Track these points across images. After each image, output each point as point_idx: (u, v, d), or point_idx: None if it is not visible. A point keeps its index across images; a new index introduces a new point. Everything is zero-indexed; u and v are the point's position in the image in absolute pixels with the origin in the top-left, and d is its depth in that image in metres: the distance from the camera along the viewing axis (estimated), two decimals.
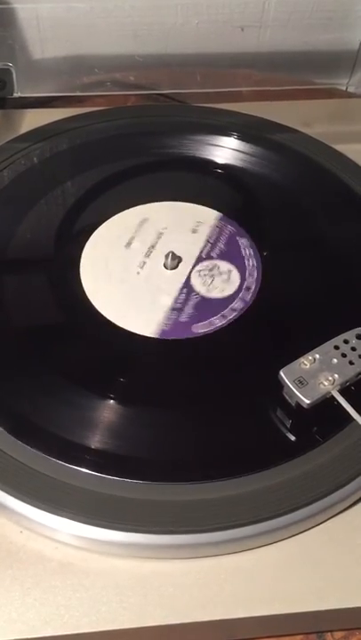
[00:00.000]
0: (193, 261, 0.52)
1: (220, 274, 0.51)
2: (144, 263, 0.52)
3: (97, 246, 0.53)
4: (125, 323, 0.48)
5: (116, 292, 0.50)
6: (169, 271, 0.51)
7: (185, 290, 0.50)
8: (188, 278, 0.51)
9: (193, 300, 0.49)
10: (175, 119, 0.65)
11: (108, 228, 0.54)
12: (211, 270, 0.51)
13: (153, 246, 0.53)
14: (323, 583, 0.38)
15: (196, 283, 0.50)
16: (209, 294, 0.49)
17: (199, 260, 0.52)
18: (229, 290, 0.50)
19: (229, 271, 0.51)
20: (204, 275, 0.50)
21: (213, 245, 0.53)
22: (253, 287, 0.50)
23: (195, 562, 0.38)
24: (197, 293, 0.49)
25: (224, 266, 0.51)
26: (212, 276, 0.50)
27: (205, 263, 0.52)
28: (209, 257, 0.52)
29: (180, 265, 0.52)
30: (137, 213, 0.56)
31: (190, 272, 0.51)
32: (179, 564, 0.38)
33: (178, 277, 0.51)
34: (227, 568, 0.38)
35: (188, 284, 0.50)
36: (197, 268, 0.51)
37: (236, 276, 0.51)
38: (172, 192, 0.57)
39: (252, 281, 0.50)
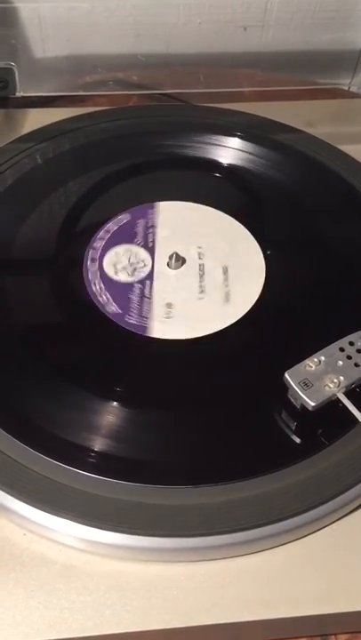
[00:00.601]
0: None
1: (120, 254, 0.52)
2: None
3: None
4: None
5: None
6: (173, 271, 0.51)
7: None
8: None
9: None
10: (178, 119, 0.65)
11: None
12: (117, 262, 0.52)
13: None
14: (328, 586, 0.37)
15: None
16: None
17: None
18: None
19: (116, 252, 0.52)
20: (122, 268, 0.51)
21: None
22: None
23: (199, 565, 0.38)
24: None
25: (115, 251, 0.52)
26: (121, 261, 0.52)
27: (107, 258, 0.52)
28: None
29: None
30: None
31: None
32: (183, 567, 0.38)
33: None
34: (231, 571, 0.38)
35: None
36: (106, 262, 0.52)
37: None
38: (175, 192, 0.57)
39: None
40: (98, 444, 0.41)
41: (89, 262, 0.52)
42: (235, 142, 0.61)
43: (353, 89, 0.71)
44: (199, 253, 0.53)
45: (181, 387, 0.45)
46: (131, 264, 0.51)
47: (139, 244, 0.53)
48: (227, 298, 0.49)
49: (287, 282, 0.51)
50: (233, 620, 0.36)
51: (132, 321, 0.48)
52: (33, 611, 0.36)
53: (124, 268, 0.51)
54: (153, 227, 0.54)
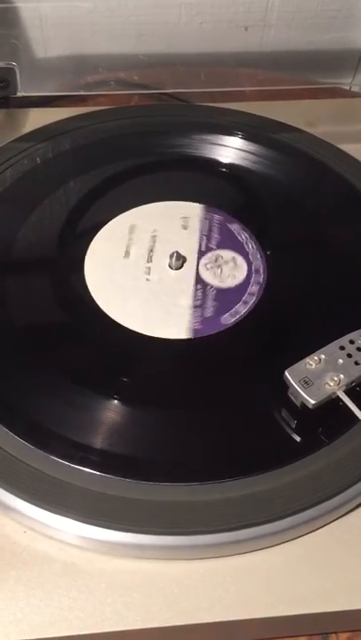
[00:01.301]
0: (196, 256, 0.52)
1: (226, 262, 0.51)
2: (149, 263, 0.52)
3: (102, 246, 0.53)
4: (145, 328, 0.47)
5: (124, 292, 0.50)
6: (174, 271, 0.51)
7: (199, 286, 0.50)
8: (198, 273, 0.51)
9: (210, 294, 0.50)
10: (179, 119, 0.65)
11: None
12: (216, 261, 0.51)
13: (152, 249, 0.53)
14: (328, 585, 0.37)
15: (207, 276, 0.51)
16: (223, 284, 0.50)
17: (201, 253, 0.52)
18: (240, 276, 0.51)
19: (233, 258, 0.52)
20: (211, 267, 0.51)
21: (209, 237, 0.53)
22: (261, 269, 0.51)
23: (199, 563, 0.38)
24: (212, 286, 0.50)
25: (227, 254, 0.52)
26: (220, 265, 0.51)
27: (209, 255, 0.52)
28: (209, 249, 0.53)
29: (184, 264, 0.52)
30: (132, 215, 0.56)
31: (197, 267, 0.51)
32: (183, 566, 0.38)
33: (187, 275, 0.51)
34: (232, 569, 0.38)
35: (199, 279, 0.51)
36: (202, 261, 0.52)
37: (241, 260, 0.52)
38: (176, 192, 0.57)
39: (258, 263, 0.51)
40: (98, 442, 0.41)
41: None
42: (235, 142, 0.61)
43: (354, 88, 0.71)
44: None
45: (182, 385, 0.45)
46: (223, 265, 0.52)
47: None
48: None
49: (287, 280, 0.51)
50: (233, 618, 0.36)
51: None
52: (34, 608, 0.36)
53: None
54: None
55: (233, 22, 0.67)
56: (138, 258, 0.52)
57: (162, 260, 0.52)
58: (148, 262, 0.52)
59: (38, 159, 0.59)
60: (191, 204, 0.56)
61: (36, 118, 0.63)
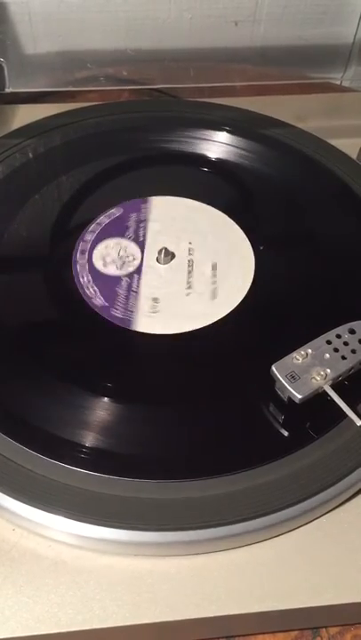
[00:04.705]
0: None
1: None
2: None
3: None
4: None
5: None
6: (163, 266, 0.51)
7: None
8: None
9: None
10: (168, 114, 0.65)
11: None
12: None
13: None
14: (317, 579, 0.37)
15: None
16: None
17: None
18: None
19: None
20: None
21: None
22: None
23: (189, 559, 0.38)
24: None
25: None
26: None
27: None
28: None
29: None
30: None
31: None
32: (172, 562, 0.38)
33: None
34: (221, 565, 0.38)
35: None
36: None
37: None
38: (165, 187, 0.57)
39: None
40: (87, 440, 0.41)
41: (78, 255, 0.52)
42: (225, 137, 0.61)
43: (344, 83, 0.71)
44: (189, 249, 0.53)
45: (168, 382, 0.45)
46: (120, 258, 0.52)
47: (129, 238, 0.53)
48: (215, 293, 0.49)
49: (275, 275, 0.51)
50: (223, 614, 0.36)
51: (118, 314, 0.48)
52: (22, 606, 0.36)
53: (113, 262, 0.51)
54: (145, 221, 0.54)
55: (223, 17, 0.67)
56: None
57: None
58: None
59: (29, 155, 0.59)
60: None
61: (26, 114, 0.63)
